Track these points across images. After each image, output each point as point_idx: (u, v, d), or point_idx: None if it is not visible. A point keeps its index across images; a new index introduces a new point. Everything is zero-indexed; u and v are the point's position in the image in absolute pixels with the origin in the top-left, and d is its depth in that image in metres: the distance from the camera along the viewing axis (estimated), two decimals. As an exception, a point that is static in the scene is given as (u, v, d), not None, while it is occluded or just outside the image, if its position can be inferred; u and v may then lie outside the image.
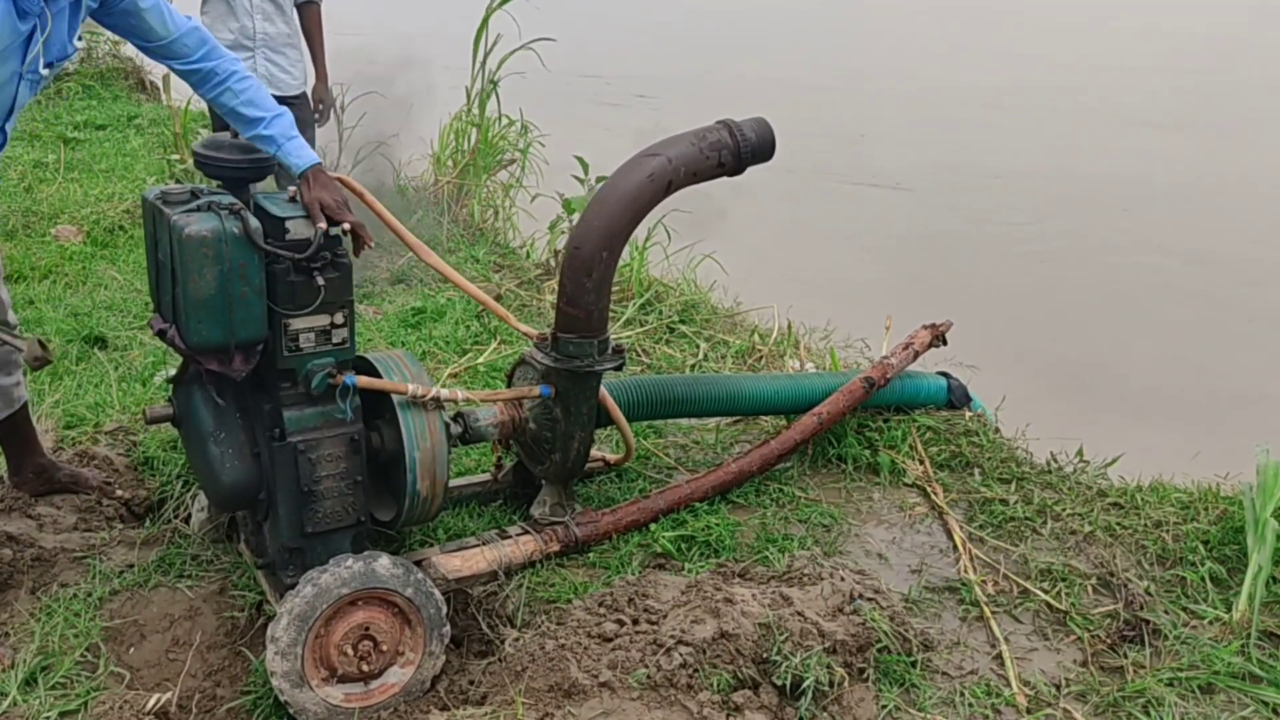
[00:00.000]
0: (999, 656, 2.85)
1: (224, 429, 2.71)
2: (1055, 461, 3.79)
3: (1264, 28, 23.49)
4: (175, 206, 2.54)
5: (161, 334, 2.65)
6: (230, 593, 3.01)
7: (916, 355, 3.93)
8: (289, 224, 2.56)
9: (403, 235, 3.07)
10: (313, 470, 2.68)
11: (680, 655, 2.56)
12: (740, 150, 3.13)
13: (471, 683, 2.71)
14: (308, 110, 5.38)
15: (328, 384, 2.66)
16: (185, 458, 3.31)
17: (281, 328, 2.58)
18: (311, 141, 5.45)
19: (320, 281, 2.58)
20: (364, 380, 2.73)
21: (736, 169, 3.17)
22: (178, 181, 2.73)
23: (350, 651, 2.62)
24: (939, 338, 3.99)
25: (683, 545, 3.21)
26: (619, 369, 3.20)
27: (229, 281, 2.47)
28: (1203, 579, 3.09)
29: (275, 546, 2.79)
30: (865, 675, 2.66)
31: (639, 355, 4.75)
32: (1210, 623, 2.94)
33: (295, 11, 5.19)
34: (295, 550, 2.74)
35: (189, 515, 3.31)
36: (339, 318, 2.66)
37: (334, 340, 2.66)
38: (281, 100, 5.18)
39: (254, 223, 2.50)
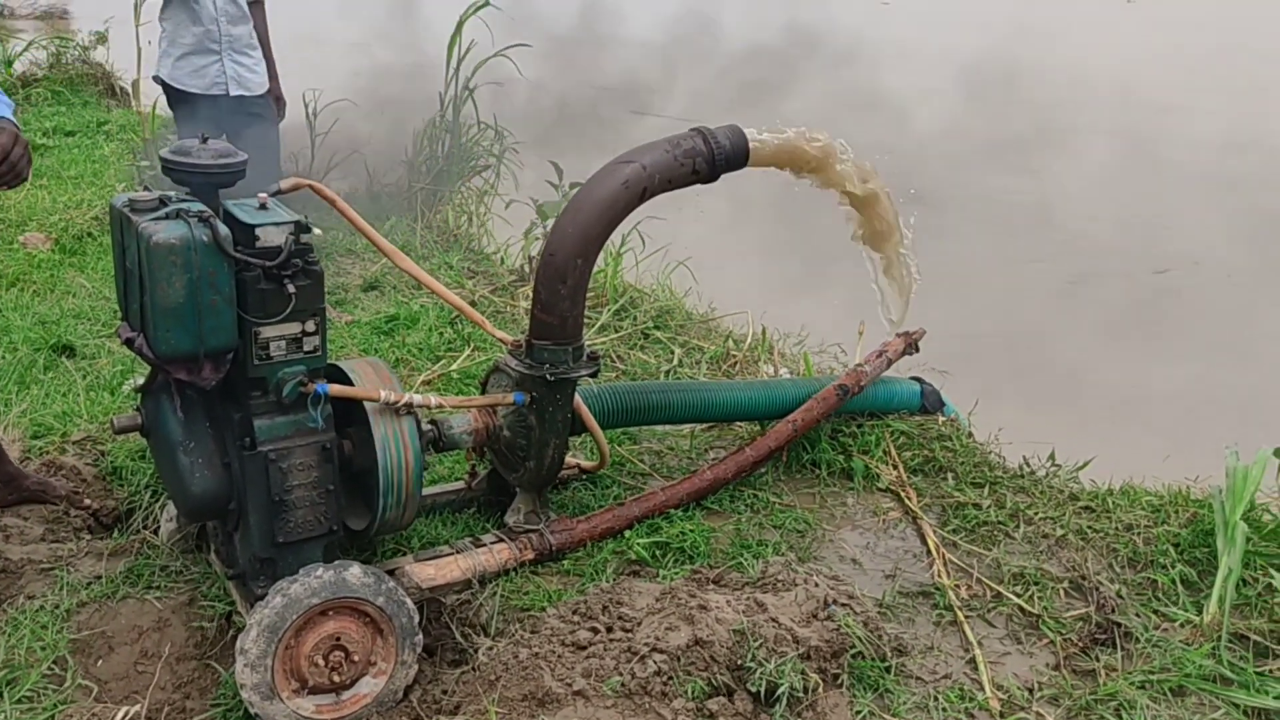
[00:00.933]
0: (972, 661, 2.86)
1: (193, 438, 2.68)
2: (1028, 465, 3.81)
3: None
4: (143, 214, 2.51)
5: (129, 343, 2.62)
6: (200, 604, 2.98)
7: (890, 363, 3.94)
8: (259, 231, 2.53)
9: (376, 241, 3.05)
10: (284, 479, 2.65)
11: (655, 663, 2.56)
12: (714, 157, 3.13)
13: (445, 692, 2.69)
14: (272, 109, 5.35)
15: (299, 392, 2.63)
16: (154, 467, 3.28)
17: (252, 336, 2.56)
18: (277, 141, 5.42)
19: (291, 289, 2.55)
20: (336, 388, 2.71)
21: (711, 176, 3.18)
22: (146, 189, 2.70)
23: (321, 662, 2.60)
24: (911, 345, 4.01)
25: (657, 552, 3.20)
26: (594, 376, 3.20)
27: (198, 289, 2.44)
28: (1173, 582, 3.11)
29: (246, 556, 2.77)
30: (839, 681, 2.66)
31: (613, 361, 4.74)
32: (1181, 625, 2.96)
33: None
34: (266, 560, 2.71)
35: (158, 526, 3.27)
36: (310, 325, 2.63)
37: (305, 348, 2.64)
38: (249, 100, 5.17)
39: (223, 230, 2.47)
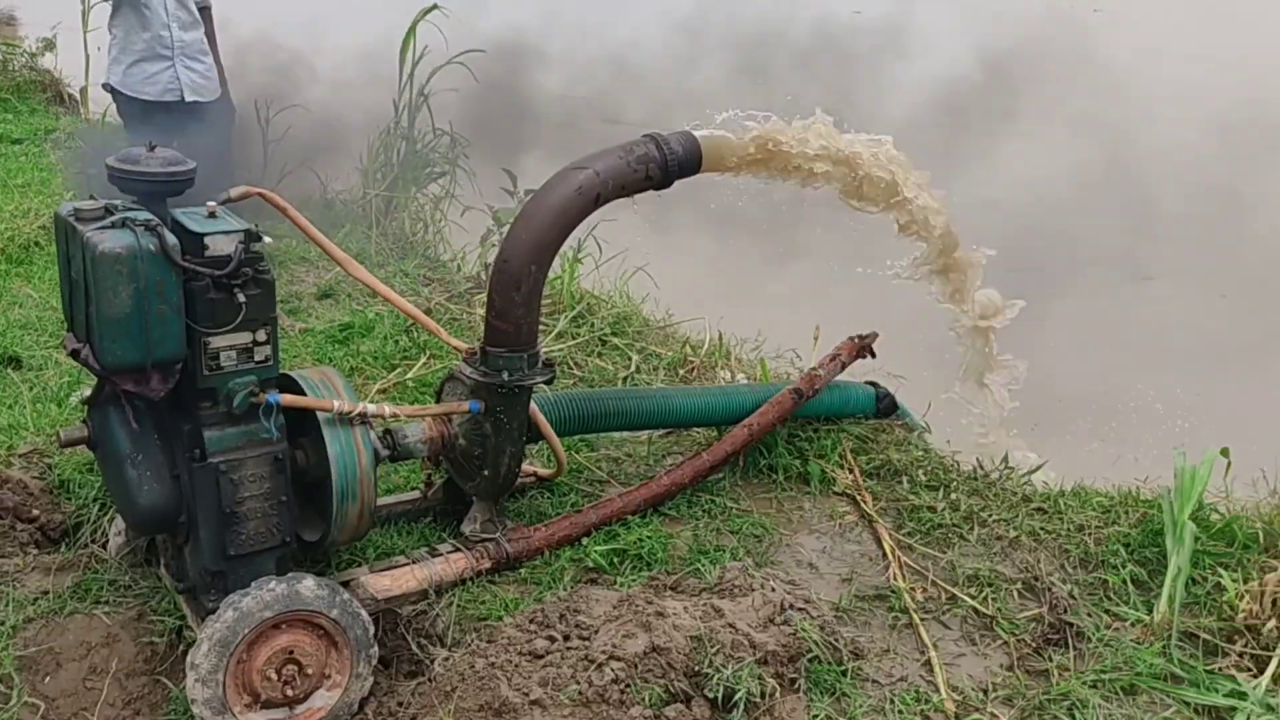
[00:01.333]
0: (928, 663, 2.88)
1: (141, 450, 2.64)
2: (982, 468, 3.85)
3: None
4: (89, 223, 2.47)
5: (75, 354, 2.58)
6: (149, 618, 2.93)
7: (844, 366, 3.96)
8: (208, 240, 2.50)
9: (328, 249, 3.03)
10: (235, 491, 2.62)
11: (612, 670, 2.55)
12: (667, 163, 3.15)
13: (400, 704, 2.67)
14: (225, 115, 5.30)
15: (250, 402, 2.60)
16: (102, 480, 3.23)
17: (201, 346, 2.53)
18: (229, 145, 5.37)
19: (241, 298, 2.53)
20: (288, 398, 2.68)
21: (664, 182, 3.18)
22: (92, 197, 2.66)
23: (274, 676, 2.57)
24: (865, 349, 4.03)
25: (615, 559, 3.20)
26: (549, 383, 3.19)
27: (145, 299, 2.41)
28: (1124, 581, 3.15)
29: (196, 570, 2.73)
30: (796, 685, 2.67)
31: (571, 368, 4.73)
32: (1132, 624, 3.00)
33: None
34: (217, 573, 2.68)
35: (106, 539, 3.22)
36: (261, 335, 2.61)
37: (256, 358, 2.61)
38: (202, 106, 5.11)
39: (171, 239, 2.44)
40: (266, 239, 2.64)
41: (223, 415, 2.61)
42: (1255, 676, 2.77)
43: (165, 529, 2.76)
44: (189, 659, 2.49)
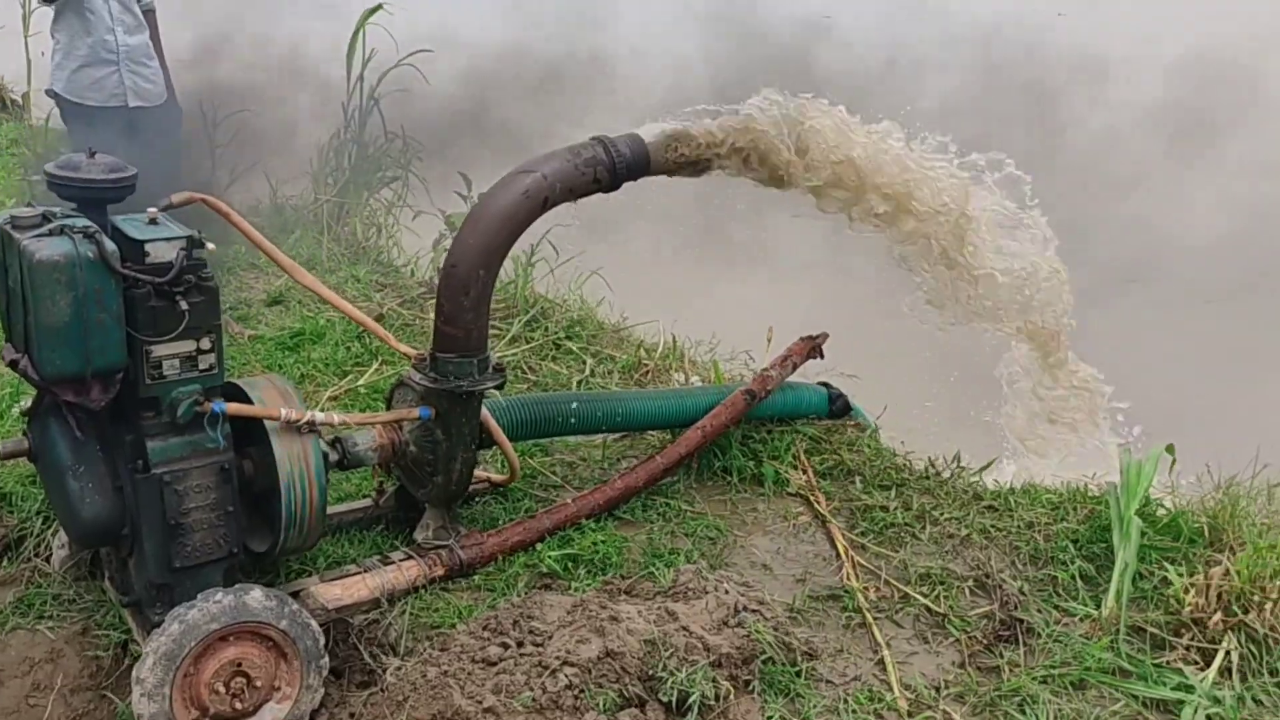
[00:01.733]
0: (881, 661, 2.89)
1: (83, 462, 2.59)
2: (934, 467, 3.88)
3: None
4: (26, 231, 2.42)
5: (13, 365, 2.53)
6: (94, 633, 2.88)
7: (795, 367, 3.98)
8: (149, 247, 2.46)
9: (274, 255, 2.99)
10: (180, 502, 2.58)
11: (566, 676, 2.54)
12: (615, 166, 3.14)
13: (352, 715, 2.64)
14: (171, 119, 5.23)
15: (195, 412, 2.56)
16: (44, 493, 3.16)
17: (143, 355, 2.49)
18: (178, 151, 5.29)
19: (184, 306, 2.49)
20: (234, 406, 2.65)
21: (612, 185, 3.18)
22: (29, 204, 2.61)
23: (222, 689, 2.53)
24: (815, 350, 4.05)
25: (569, 564, 3.18)
26: (500, 388, 3.17)
27: (84, 308, 2.37)
28: (1073, 577, 3.19)
29: (141, 583, 2.68)
30: (750, 687, 2.67)
31: (524, 372, 4.71)
32: (1081, 620, 3.04)
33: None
34: (163, 586, 2.63)
35: (49, 553, 3.16)
36: (205, 343, 2.57)
37: (200, 366, 2.57)
38: (148, 111, 5.04)
39: (110, 246, 2.40)
40: (209, 245, 2.60)
41: (166, 425, 2.57)
42: (1202, 669, 2.82)
43: (109, 542, 2.71)
44: (134, 673, 2.45)
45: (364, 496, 3.50)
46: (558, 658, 2.59)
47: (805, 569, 3.31)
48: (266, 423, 2.71)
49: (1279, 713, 2.69)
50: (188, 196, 2.87)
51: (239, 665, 2.56)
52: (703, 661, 2.62)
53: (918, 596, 3.16)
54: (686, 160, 3.29)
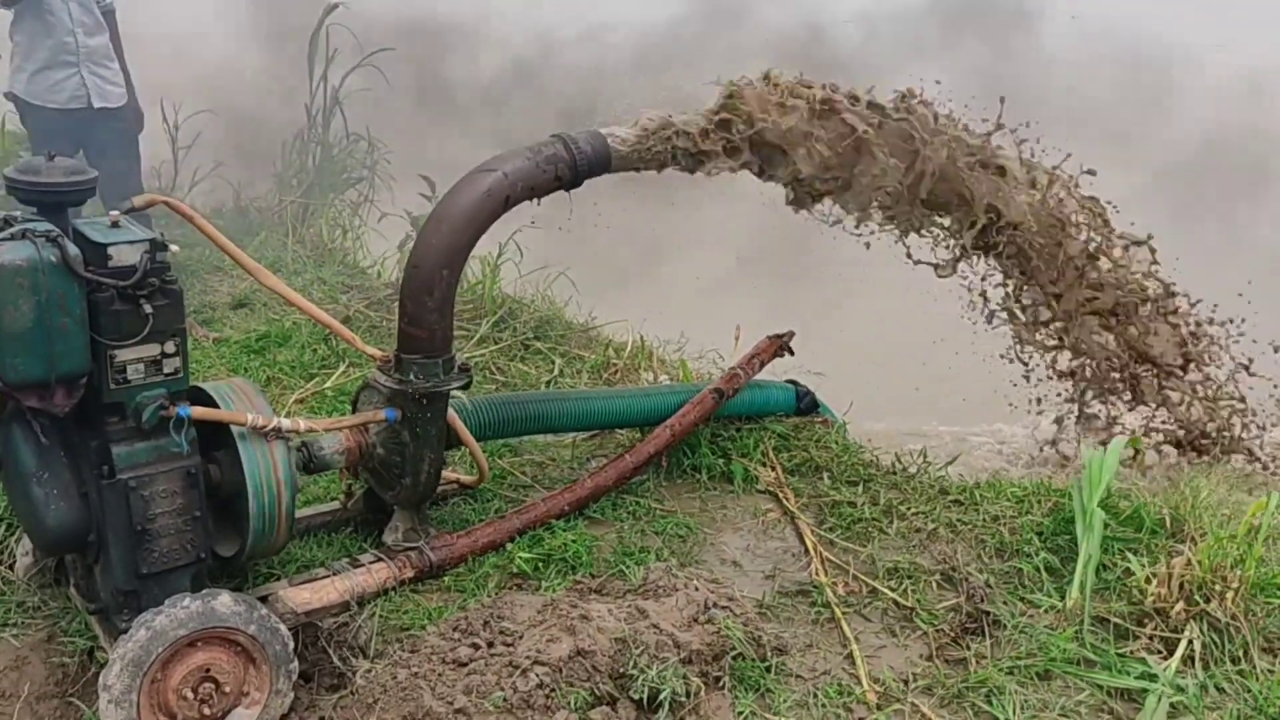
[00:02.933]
0: (850, 656, 2.91)
1: (47, 468, 2.56)
2: (900, 463, 3.91)
3: None
4: (-14, 235, 2.40)
5: (-25, 371, 2.49)
6: (60, 640, 2.86)
7: (762, 365, 4.00)
8: (112, 250, 2.44)
9: (237, 257, 2.97)
10: (146, 508, 2.56)
11: (537, 675, 2.54)
12: (576, 163, 3.15)
13: (322, 718, 2.63)
14: (132, 121, 5.19)
15: (160, 416, 2.54)
16: (7, 500, 3.13)
17: (107, 359, 2.47)
18: (138, 154, 5.25)
19: (148, 309, 2.47)
20: (199, 411, 2.63)
21: (574, 182, 3.19)
22: (-10, 209, 2.58)
23: (190, 695, 2.52)
24: (783, 347, 4.07)
25: (540, 564, 3.18)
26: (466, 388, 3.17)
27: (47, 313, 2.34)
28: (1038, 569, 3.22)
29: (108, 590, 2.66)
30: (721, 683, 2.69)
31: (493, 373, 4.71)
32: (1046, 611, 3.07)
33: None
34: (130, 593, 2.61)
35: (13, 560, 3.12)
36: (170, 347, 2.55)
37: (165, 370, 2.55)
38: (111, 112, 5.00)
39: (73, 250, 2.38)
40: (173, 247, 2.58)
41: (131, 430, 2.55)
42: (1165, 658, 2.86)
43: (74, 548, 2.69)
44: (101, 680, 2.43)
45: (332, 499, 3.48)
46: (528, 657, 2.59)
47: (775, 565, 3.33)
48: (233, 427, 2.69)
49: (1241, 700, 2.74)
50: (149, 199, 2.86)
51: (207, 671, 2.54)
52: (673, 659, 2.63)
53: (886, 590, 3.18)
54: (659, 154, 3.29)
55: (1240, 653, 2.86)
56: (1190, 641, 2.88)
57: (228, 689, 2.57)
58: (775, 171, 3.46)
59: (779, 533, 3.51)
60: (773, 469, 3.82)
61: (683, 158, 3.39)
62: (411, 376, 3.02)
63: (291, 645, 2.65)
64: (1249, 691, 2.75)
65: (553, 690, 2.53)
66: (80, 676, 2.77)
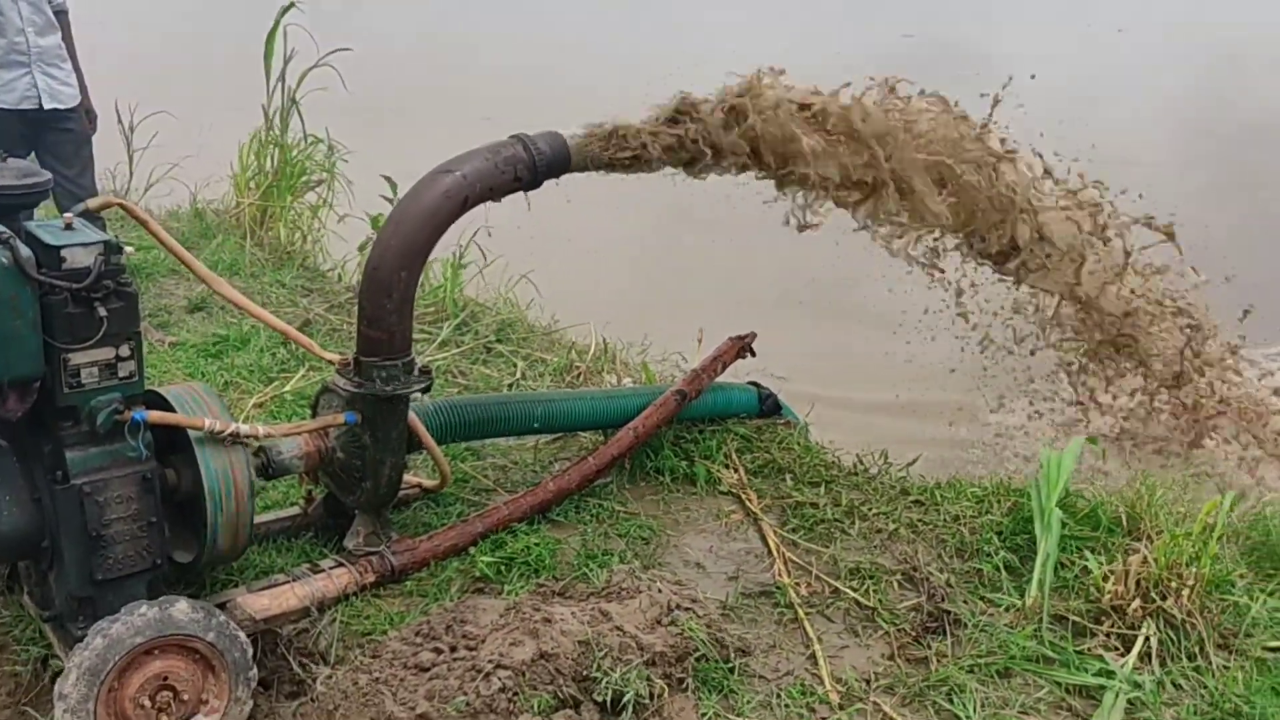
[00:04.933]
0: (813, 656, 2.92)
1: (-1, 474, 2.52)
2: (862, 464, 3.93)
3: None
4: (-65, 237, 2.35)
5: (-75, 375, 2.45)
6: (12, 648, 2.81)
7: (725, 366, 4.00)
8: (65, 252, 2.40)
9: (191, 265, 2.94)
10: (101, 513, 2.52)
11: (499, 679, 2.53)
12: (536, 164, 3.14)
13: (282, 725, 2.61)
14: (85, 123, 5.12)
15: (115, 421, 2.51)
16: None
17: (60, 363, 2.43)
18: (91, 156, 5.18)
19: (102, 312, 2.44)
20: (156, 415, 2.59)
21: (533, 183, 3.18)
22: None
23: (148, 704, 2.48)
24: (745, 349, 4.08)
25: (502, 567, 3.17)
26: (427, 390, 3.15)
27: (-1, 316, 2.31)
28: (997, 569, 3.25)
29: (62, 597, 2.62)
30: (685, 685, 2.69)
31: (455, 376, 4.68)
32: (1006, 610, 3.10)
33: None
34: (85, 600, 2.57)
35: (-35, 569, 3.06)
36: (125, 350, 2.52)
37: (120, 374, 2.52)
38: (63, 113, 4.92)
39: (25, 251, 2.34)
40: (129, 249, 2.55)
41: (85, 435, 2.51)
42: (1122, 655, 2.90)
43: (28, 555, 2.65)
44: (57, 689, 2.39)
45: (291, 504, 3.44)
46: (491, 661, 2.58)
47: (738, 566, 3.33)
48: (191, 432, 2.66)
49: (1197, 696, 2.78)
50: (104, 201, 2.82)
51: (165, 679, 2.51)
52: (637, 661, 2.62)
53: (848, 591, 3.20)
54: (618, 154, 3.28)
55: (1196, 649, 2.90)
56: (1147, 638, 2.92)
57: (186, 697, 2.53)
58: (729, 169, 3.48)
59: (742, 534, 3.52)
60: (735, 471, 3.82)
61: (643, 157, 3.39)
62: (372, 379, 3.00)
63: (250, 652, 2.62)
64: (1205, 687, 2.79)
65: (516, 694, 2.52)
66: (34, 685, 2.73)
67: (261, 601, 2.82)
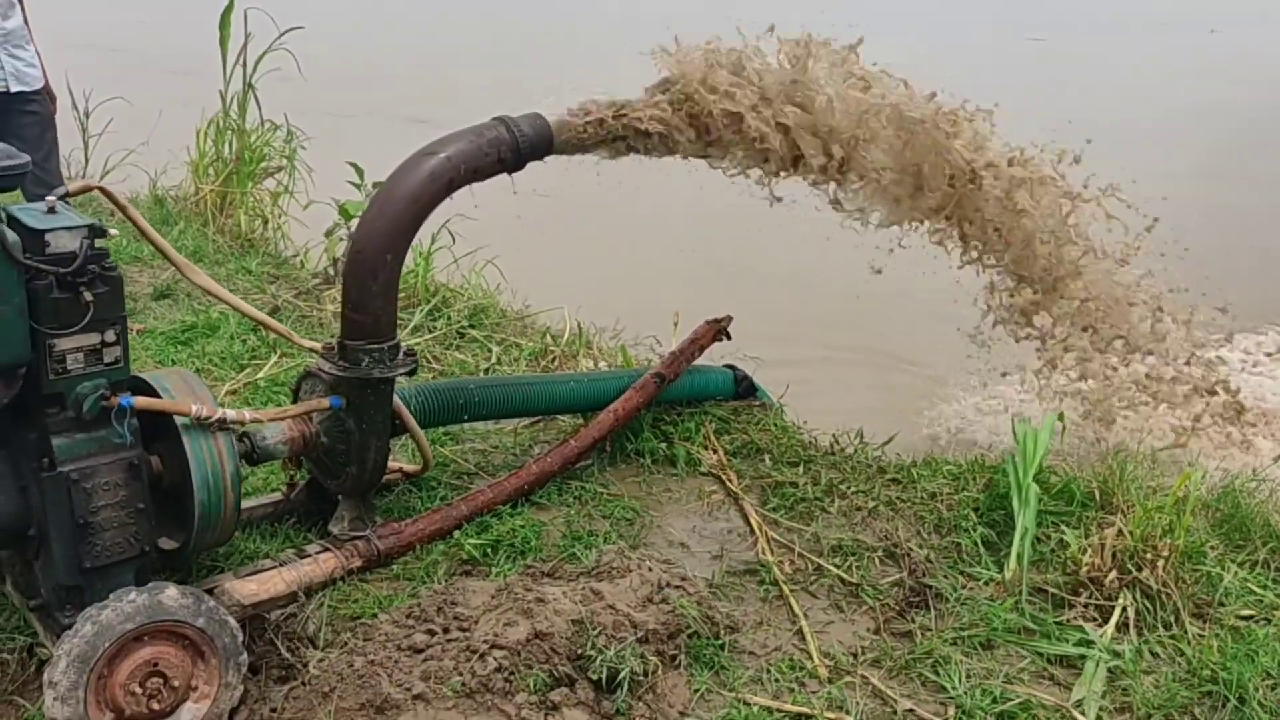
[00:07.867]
0: (800, 632, 2.96)
1: (-17, 462, 2.49)
2: (838, 443, 3.98)
3: None
4: (-85, 222, 2.31)
5: (-93, 361, 2.40)
6: (-3, 638, 2.77)
7: (702, 349, 4.03)
8: (49, 237, 2.37)
9: (169, 254, 2.91)
10: (88, 500, 2.50)
11: (494, 659, 2.54)
12: (519, 146, 3.14)
13: (273, 710, 2.60)
14: (50, 105, 5.03)
15: (101, 407, 2.48)
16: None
17: (46, 348, 2.40)
18: (55, 139, 5.09)
19: (88, 297, 2.41)
20: (143, 401, 2.57)
21: (517, 164, 3.18)
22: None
23: (138, 690, 2.46)
24: (721, 332, 4.10)
25: (489, 550, 3.17)
26: (412, 373, 3.14)
27: (-16, 301, 2.27)
28: (976, 544, 3.31)
29: (49, 585, 2.58)
30: (677, 661, 2.72)
31: (429, 361, 4.66)
32: (985, 583, 3.16)
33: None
34: (73, 588, 2.54)
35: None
36: (110, 335, 2.49)
37: (106, 360, 2.49)
38: (28, 96, 4.83)
39: (11, 236, 2.31)
40: (112, 232, 2.52)
41: (72, 421, 2.48)
42: (1101, 625, 2.97)
43: (13, 544, 2.61)
44: (46, 676, 2.36)
45: (274, 490, 3.42)
46: (486, 641, 2.59)
47: (722, 545, 3.36)
48: (177, 418, 2.64)
49: (1175, 664, 2.85)
50: (84, 185, 2.79)
51: (155, 665, 2.49)
52: (630, 638, 2.65)
53: (831, 568, 3.24)
54: (599, 135, 3.29)
55: (1172, 618, 2.98)
56: (1124, 609, 2.99)
57: (176, 683, 2.51)
58: (716, 151, 3.50)
59: (724, 514, 3.55)
60: (715, 452, 3.85)
61: (623, 138, 3.40)
62: (357, 363, 2.99)
63: (241, 637, 2.61)
64: (1182, 655, 2.87)
65: (511, 673, 2.53)
66: (20, 674, 2.69)
67: (249, 587, 2.81)
